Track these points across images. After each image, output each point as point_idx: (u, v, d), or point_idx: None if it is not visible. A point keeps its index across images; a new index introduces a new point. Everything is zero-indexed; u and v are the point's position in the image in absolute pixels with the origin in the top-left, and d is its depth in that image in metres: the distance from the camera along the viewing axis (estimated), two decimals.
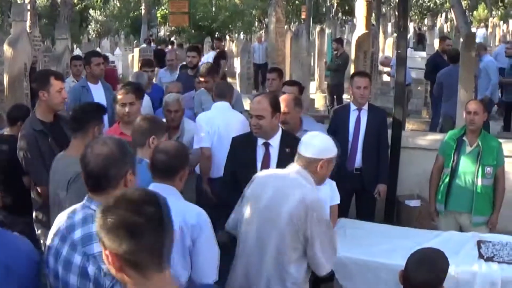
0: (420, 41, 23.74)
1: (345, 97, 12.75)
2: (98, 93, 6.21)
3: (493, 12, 43.44)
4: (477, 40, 22.46)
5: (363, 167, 5.42)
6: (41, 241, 4.37)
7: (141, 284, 1.71)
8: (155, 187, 2.95)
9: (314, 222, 3.15)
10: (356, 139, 5.40)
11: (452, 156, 5.00)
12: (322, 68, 15.77)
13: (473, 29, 21.80)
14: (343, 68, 12.85)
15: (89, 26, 37.47)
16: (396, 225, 5.39)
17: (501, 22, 35.26)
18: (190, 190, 5.31)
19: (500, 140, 5.24)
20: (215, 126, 5.35)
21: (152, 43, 21.68)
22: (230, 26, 27.69)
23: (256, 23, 34.69)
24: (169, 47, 18.99)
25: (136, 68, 13.44)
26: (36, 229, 4.53)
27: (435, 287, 2.81)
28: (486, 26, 30.75)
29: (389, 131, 5.81)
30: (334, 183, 4.29)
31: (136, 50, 15.90)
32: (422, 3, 43.36)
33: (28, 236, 2.52)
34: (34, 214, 4.59)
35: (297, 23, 32.20)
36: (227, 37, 28.32)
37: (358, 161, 5.41)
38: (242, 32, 30.89)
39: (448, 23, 35.64)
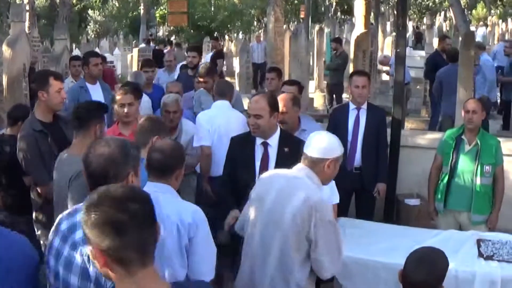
0: (418, 40, 23.74)
1: (345, 96, 12.76)
2: (96, 94, 6.20)
3: (492, 11, 43.46)
4: (478, 38, 22.53)
5: (363, 166, 5.42)
6: (41, 242, 4.38)
7: (126, 279, 1.73)
8: (151, 186, 2.96)
9: (317, 223, 3.11)
10: (355, 138, 5.40)
11: (451, 155, 5.00)
12: (321, 67, 15.76)
13: (472, 28, 21.79)
14: (343, 67, 12.86)
15: (88, 27, 37.47)
16: (395, 224, 5.39)
17: (500, 21, 35.27)
18: (190, 190, 5.32)
19: (500, 139, 5.24)
20: (215, 124, 5.35)
21: (151, 42, 21.66)
22: (229, 25, 27.70)
23: (255, 23, 34.70)
24: (168, 47, 18.96)
25: (135, 68, 13.44)
26: (36, 230, 4.54)
27: (434, 287, 2.80)
28: (486, 25, 30.75)
29: (388, 130, 5.81)
30: (333, 182, 4.28)
31: (135, 50, 15.90)
32: (421, 2, 43.37)
33: (28, 236, 2.52)
34: (34, 214, 4.59)
35: (296, 22, 32.18)
36: (226, 37, 28.31)
37: (357, 160, 5.42)
38: (241, 32, 30.89)
39: (447, 22, 35.66)
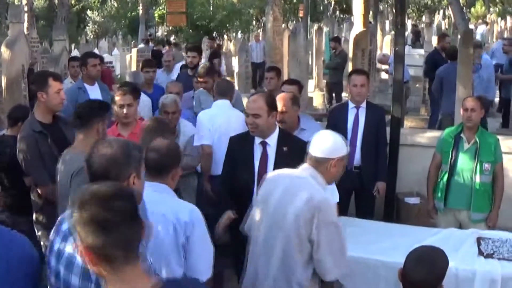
0: (417, 38, 23.72)
1: (344, 95, 12.76)
2: (94, 94, 6.18)
3: (491, 9, 43.45)
4: (478, 36, 22.51)
5: (362, 165, 5.43)
6: (42, 243, 4.38)
7: (114, 276, 1.77)
8: (148, 185, 2.96)
9: (320, 223, 3.08)
10: (355, 137, 5.40)
11: (450, 154, 5.01)
12: (320, 66, 15.76)
13: (471, 26, 21.78)
14: (342, 66, 12.85)
15: (87, 27, 37.44)
16: (395, 222, 5.40)
17: (499, 19, 35.26)
18: (190, 190, 5.33)
19: (499, 137, 5.24)
20: (216, 124, 5.36)
21: (150, 42, 21.65)
22: (227, 25, 27.68)
23: (254, 22, 34.69)
24: (166, 47, 18.96)
25: (134, 68, 13.44)
26: (36, 231, 4.54)
27: (433, 286, 2.80)
28: (486, 23, 30.74)
29: (388, 129, 5.81)
30: None
31: (134, 51, 15.90)
32: (420, 0, 43.33)
33: (29, 236, 2.52)
34: (34, 215, 4.59)
35: (294, 21, 32.16)
36: (225, 36, 28.30)
37: (357, 159, 5.42)
38: (240, 31, 30.88)
39: (446, 20, 35.64)
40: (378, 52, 15.70)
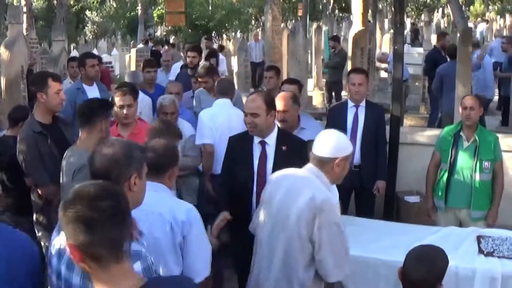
0: (416, 37, 23.72)
1: (344, 94, 12.76)
2: (93, 95, 6.16)
3: (490, 7, 43.44)
4: (478, 34, 22.50)
5: (362, 164, 5.42)
6: (42, 243, 4.38)
7: (100, 274, 1.79)
8: None
9: (322, 224, 3.06)
10: (354, 136, 5.40)
11: (450, 152, 5.01)
12: (319, 65, 15.76)
13: (471, 24, 21.78)
14: (341, 65, 12.85)
15: (86, 28, 37.42)
16: (395, 221, 5.40)
17: (498, 17, 35.26)
18: (191, 191, 5.33)
19: (499, 135, 5.25)
20: (217, 122, 5.36)
21: (149, 42, 21.64)
22: (226, 24, 27.64)
23: (253, 22, 34.66)
24: (165, 47, 18.95)
25: (133, 68, 13.43)
26: (37, 232, 4.54)
27: (433, 284, 2.79)
28: (486, 21, 30.75)
29: (387, 128, 5.81)
30: None
31: (133, 51, 15.88)
32: None
33: (30, 235, 2.54)
34: (34, 216, 4.60)
35: (293, 20, 32.16)
36: (224, 36, 28.28)
37: (356, 158, 5.41)
38: (239, 31, 30.86)
39: (445, 18, 35.65)
40: (377, 50, 15.70)
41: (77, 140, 4.15)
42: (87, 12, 37.54)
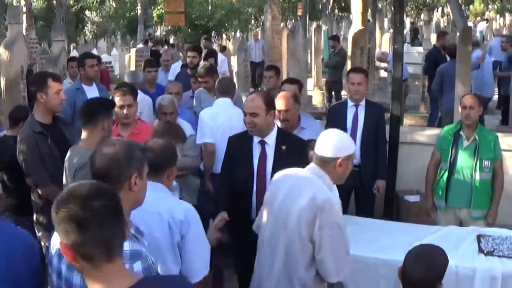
0: (415, 36, 23.71)
1: (344, 93, 12.76)
2: (92, 95, 6.15)
3: (489, 6, 43.44)
4: (478, 33, 22.47)
5: (362, 164, 5.42)
6: (42, 243, 4.38)
7: (93, 273, 1.80)
8: None
9: (323, 224, 3.05)
10: (354, 135, 5.40)
11: (450, 151, 5.01)
12: (319, 65, 15.75)
13: (470, 23, 21.78)
14: (341, 64, 12.85)
15: (86, 28, 37.40)
16: (395, 220, 5.40)
17: (498, 16, 35.25)
18: (191, 191, 5.32)
19: (498, 134, 5.25)
20: (218, 122, 5.37)
21: (149, 42, 21.64)
22: (226, 24, 27.62)
23: (253, 21, 34.65)
24: (165, 47, 18.95)
25: (133, 68, 13.42)
26: (37, 232, 4.54)
27: (433, 284, 2.79)
28: (487, 20, 30.74)
29: (387, 127, 5.82)
30: None
31: (133, 51, 15.88)
32: None
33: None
34: (34, 216, 4.60)
35: (293, 20, 32.15)
36: (224, 36, 28.27)
37: (356, 157, 5.38)
38: (238, 30, 30.85)
39: (445, 17, 35.65)
40: (377, 50, 15.71)
41: (77, 139, 4.17)
42: (87, 12, 37.51)
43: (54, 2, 26.79)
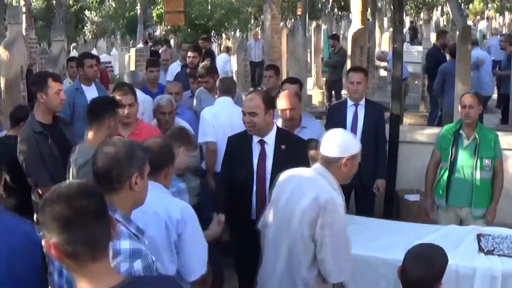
0: (414, 35, 23.68)
1: (344, 93, 12.75)
2: (91, 95, 6.13)
3: (489, 5, 43.42)
4: (478, 32, 22.42)
5: (361, 163, 5.35)
6: (42, 243, 4.38)
7: (79, 272, 1.81)
8: None
9: (325, 223, 3.05)
10: (354, 134, 5.39)
11: (450, 151, 5.01)
12: (319, 64, 15.76)
13: (470, 22, 21.75)
14: (341, 64, 12.85)
15: (85, 27, 37.38)
16: (395, 220, 5.40)
17: (497, 15, 35.23)
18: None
19: (498, 133, 5.25)
20: (220, 120, 5.38)
21: (149, 42, 21.63)
22: (226, 24, 27.61)
23: (252, 21, 34.63)
24: (165, 47, 18.94)
25: (132, 68, 13.42)
26: (37, 231, 4.54)
27: (432, 283, 2.78)
28: (487, 18, 30.72)
29: (387, 126, 5.82)
30: None
31: (133, 50, 15.88)
32: None
33: None
34: (35, 216, 4.60)
35: (293, 19, 32.12)
36: (223, 35, 28.27)
37: None
38: (238, 30, 30.83)
39: (444, 16, 35.63)
40: (377, 49, 15.72)
41: (78, 139, 4.18)
42: (86, 12, 37.48)
43: (54, 2, 26.77)
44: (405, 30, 23.14)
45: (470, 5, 41.89)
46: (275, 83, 6.51)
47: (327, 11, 35.55)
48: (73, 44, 24.93)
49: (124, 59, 19.22)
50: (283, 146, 4.10)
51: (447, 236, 4.24)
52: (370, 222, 4.75)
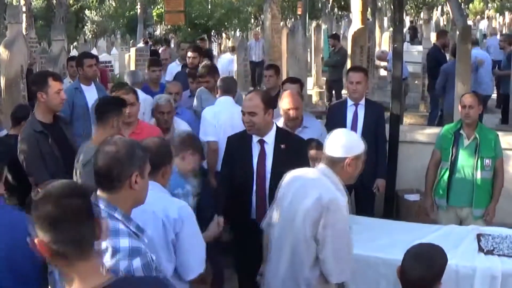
0: (414, 35, 23.67)
1: (344, 92, 12.75)
2: (91, 95, 6.15)
3: (489, 5, 43.41)
4: (478, 32, 22.37)
5: None
6: None
7: (68, 271, 1.83)
8: None
9: (327, 223, 3.05)
10: None
11: (450, 150, 5.01)
12: (319, 64, 15.76)
13: (470, 22, 21.74)
14: (341, 63, 12.85)
15: (85, 27, 37.39)
16: (395, 219, 5.40)
17: (497, 14, 35.23)
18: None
19: (498, 133, 5.25)
20: (221, 120, 5.38)
21: (149, 42, 21.62)
22: (226, 23, 27.61)
23: (252, 20, 34.63)
24: (165, 46, 18.94)
25: (132, 67, 13.43)
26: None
27: (432, 283, 2.78)
28: (488, 18, 30.71)
29: (387, 126, 5.82)
30: None
31: (133, 50, 15.88)
32: None
33: None
34: None
35: (293, 19, 32.13)
36: (223, 35, 28.27)
37: None
38: (238, 30, 30.83)
39: (444, 16, 35.63)
40: (377, 49, 15.72)
41: (77, 139, 4.20)
42: (87, 12, 37.48)
43: (54, 1, 26.76)
44: (405, 29, 23.12)
45: (470, 5, 41.88)
46: (275, 83, 6.51)
47: (327, 10, 35.56)
48: (74, 43, 24.95)
49: (124, 59, 19.21)
50: (282, 146, 4.10)
51: (447, 236, 4.24)
52: (370, 222, 4.75)
